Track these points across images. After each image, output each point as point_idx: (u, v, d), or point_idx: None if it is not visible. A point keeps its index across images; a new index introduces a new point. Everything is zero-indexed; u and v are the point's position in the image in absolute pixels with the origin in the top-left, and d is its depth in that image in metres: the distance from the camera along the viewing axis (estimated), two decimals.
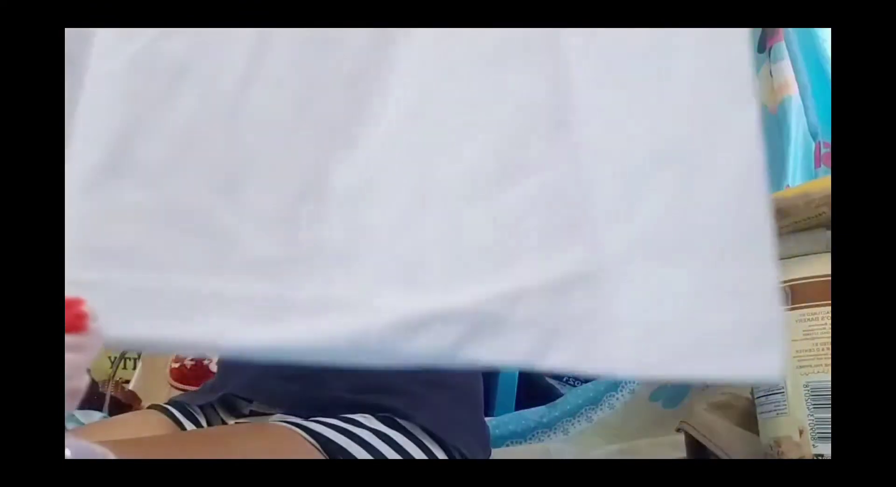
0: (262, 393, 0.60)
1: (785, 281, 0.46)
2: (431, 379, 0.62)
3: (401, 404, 0.58)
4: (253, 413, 0.61)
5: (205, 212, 0.29)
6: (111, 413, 1.13)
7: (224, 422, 0.67)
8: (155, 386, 1.44)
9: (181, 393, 1.00)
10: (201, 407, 0.68)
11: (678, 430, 0.58)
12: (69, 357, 0.25)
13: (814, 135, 1.09)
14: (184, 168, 0.29)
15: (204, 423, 0.68)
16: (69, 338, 0.25)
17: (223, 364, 0.70)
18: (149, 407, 0.71)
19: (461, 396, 0.65)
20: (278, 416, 0.57)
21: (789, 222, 0.47)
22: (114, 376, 1.59)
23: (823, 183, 0.45)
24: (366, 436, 0.54)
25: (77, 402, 0.27)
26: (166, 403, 0.70)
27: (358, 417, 0.56)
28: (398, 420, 0.57)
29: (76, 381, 0.27)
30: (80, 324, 0.26)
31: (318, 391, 0.59)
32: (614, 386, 0.97)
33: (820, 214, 0.46)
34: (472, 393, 0.67)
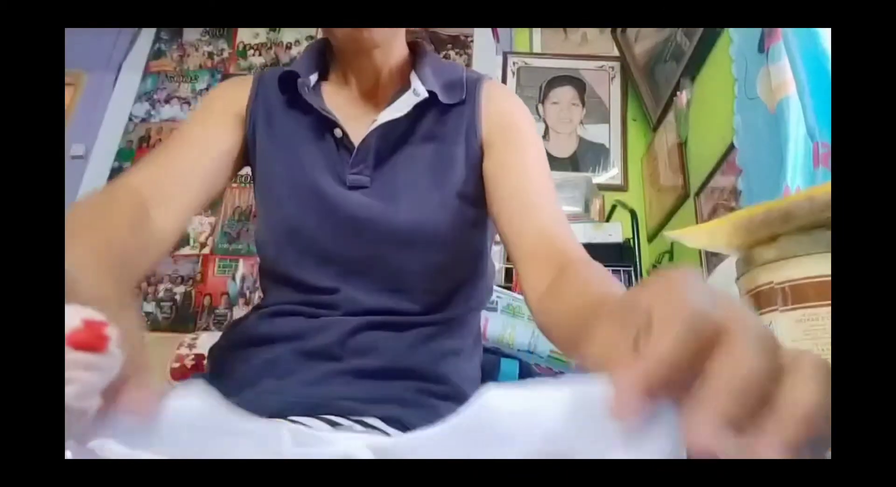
0: (265, 411, 0.60)
1: (785, 282, 0.46)
2: (437, 391, 0.62)
3: (412, 414, 0.57)
4: None
5: None
6: None
7: None
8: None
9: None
10: None
11: None
12: (84, 375, 0.25)
13: (812, 136, 1.08)
14: None
15: None
16: (87, 356, 0.25)
17: (217, 368, 0.69)
18: None
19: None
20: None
21: (794, 225, 0.47)
22: None
23: (828, 187, 0.45)
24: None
25: (83, 424, 0.26)
26: None
27: (367, 419, 0.56)
28: (407, 426, 0.56)
29: (88, 401, 0.25)
30: (101, 345, 0.25)
31: (325, 402, 0.58)
32: None
33: (825, 218, 0.46)
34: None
